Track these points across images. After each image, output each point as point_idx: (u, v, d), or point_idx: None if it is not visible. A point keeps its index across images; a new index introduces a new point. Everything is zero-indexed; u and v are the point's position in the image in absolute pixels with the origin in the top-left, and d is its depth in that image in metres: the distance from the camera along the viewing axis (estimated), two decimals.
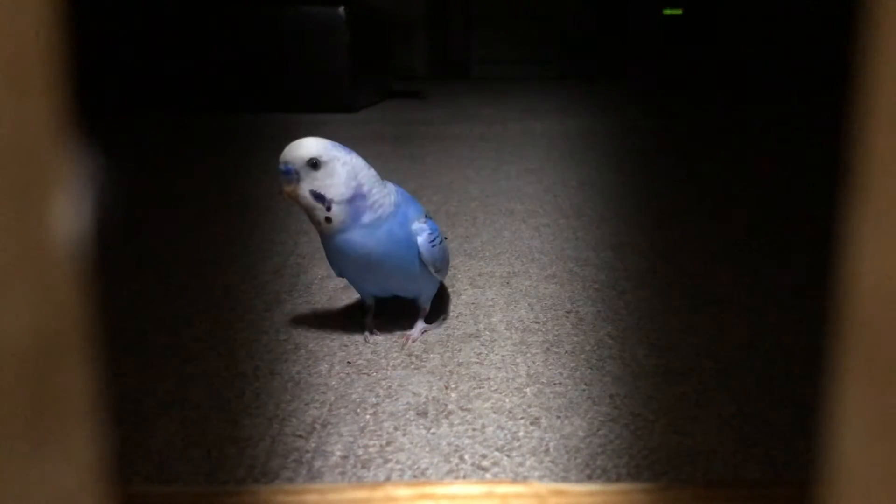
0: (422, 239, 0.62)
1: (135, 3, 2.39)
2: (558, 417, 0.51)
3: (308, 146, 0.57)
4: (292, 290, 0.76)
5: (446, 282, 0.78)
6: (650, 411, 0.52)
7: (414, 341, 0.64)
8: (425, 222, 0.63)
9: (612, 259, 0.87)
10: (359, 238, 0.59)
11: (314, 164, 0.57)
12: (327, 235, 0.59)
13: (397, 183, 0.65)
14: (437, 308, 0.71)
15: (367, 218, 0.58)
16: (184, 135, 1.99)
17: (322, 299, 0.74)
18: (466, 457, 0.46)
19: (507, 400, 0.54)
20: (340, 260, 0.61)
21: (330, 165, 0.57)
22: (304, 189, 0.57)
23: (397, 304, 0.69)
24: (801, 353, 0.62)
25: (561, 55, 4.24)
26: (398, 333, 0.65)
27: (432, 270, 0.64)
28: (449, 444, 0.48)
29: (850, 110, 0.14)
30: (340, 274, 0.65)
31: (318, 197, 0.57)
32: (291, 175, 0.57)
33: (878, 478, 0.14)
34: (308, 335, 0.65)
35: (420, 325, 0.65)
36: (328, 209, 0.57)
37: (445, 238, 0.68)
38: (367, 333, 0.65)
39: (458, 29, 4.26)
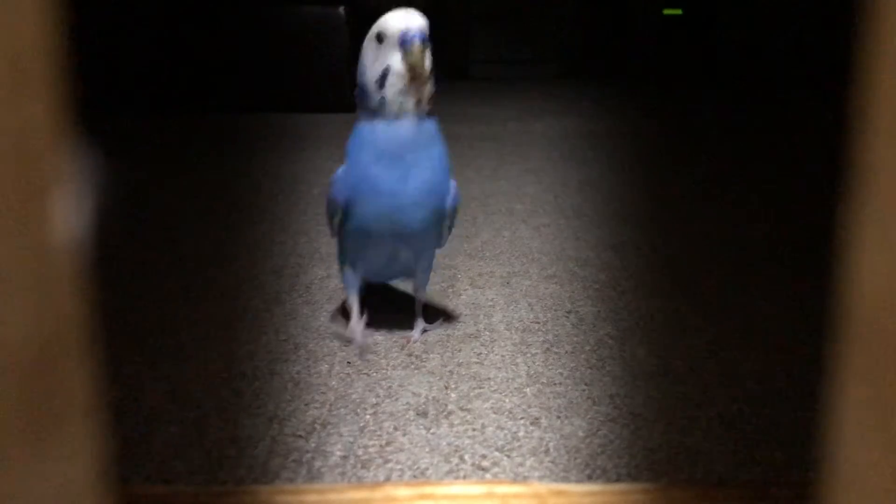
0: (452, 184, 0.60)
1: (134, 2, 2.39)
2: (558, 417, 0.51)
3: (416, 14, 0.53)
4: (292, 290, 0.76)
5: (446, 282, 0.78)
6: (650, 411, 0.52)
7: (415, 342, 0.63)
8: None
9: (612, 259, 0.87)
10: (428, 128, 0.54)
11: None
12: (400, 121, 0.53)
13: None
14: (437, 308, 0.71)
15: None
16: (183, 134, 1.99)
17: (322, 299, 0.73)
18: (466, 457, 0.46)
19: (507, 400, 0.54)
20: (408, 153, 0.54)
21: None
22: (428, 59, 0.52)
23: (390, 305, 0.68)
24: (801, 353, 0.62)
25: (561, 55, 4.24)
26: (398, 334, 0.64)
27: (446, 226, 0.61)
28: (449, 444, 0.48)
29: (850, 110, 0.14)
30: (353, 227, 0.58)
31: (432, 73, 0.53)
32: (426, 41, 0.52)
33: (878, 478, 0.14)
34: (308, 335, 0.65)
35: (420, 324, 0.64)
36: (433, 85, 0.54)
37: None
38: (357, 321, 0.61)
39: (458, 29, 4.26)
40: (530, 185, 1.29)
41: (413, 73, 0.51)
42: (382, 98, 0.52)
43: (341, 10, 2.41)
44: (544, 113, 2.43)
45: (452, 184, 0.59)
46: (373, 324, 0.66)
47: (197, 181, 1.36)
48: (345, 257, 0.62)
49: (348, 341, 0.61)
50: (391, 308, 0.69)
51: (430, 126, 0.55)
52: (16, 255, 0.12)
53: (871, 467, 0.14)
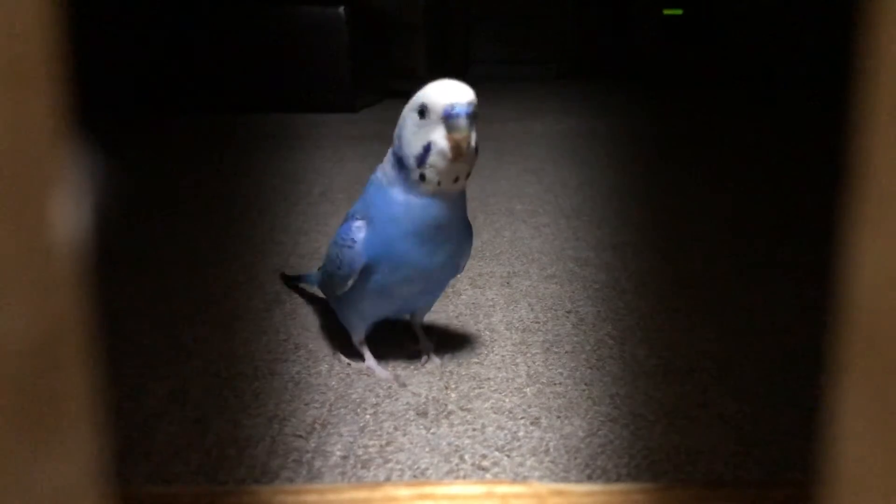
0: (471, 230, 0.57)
1: (134, 2, 2.39)
2: (558, 417, 0.51)
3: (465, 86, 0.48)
4: (292, 290, 0.76)
5: None
6: (650, 411, 0.52)
7: (436, 359, 0.60)
8: None
9: (612, 259, 0.87)
10: (465, 202, 0.53)
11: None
12: (436, 199, 0.49)
13: None
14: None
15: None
16: (183, 134, 1.99)
17: (322, 299, 0.74)
18: (466, 457, 0.46)
19: (507, 400, 0.54)
20: (441, 232, 0.51)
21: None
22: (474, 136, 0.48)
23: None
24: (801, 353, 0.62)
25: (561, 55, 4.24)
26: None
27: (463, 263, 0.58)
28: (449, 444, 0.48)
29: (851, 109, 0.14)
30: (364, 290, 0.55)
31: (476, 149, 0.49)
32: (473, 117, 0.47)
33: (878, 478, 0.14)
34: (308, 335, 0.65)
35: (424, 340, 0.62)
36: (473, 164, 0.50)
37: None
38: (383, 373, 0.58)
39: (458, 29, 4.26)
40: (530, 185, 1.29)
41: (458, 152, 0.47)
42: (422, 175, 0.48)
43: (341, 10, 2.41)
44: (544, 113, 2.42)
45: (472, 237, 0.57)
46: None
47: (197, 181, 1.36)
48: (353, 310, 0.58)
49: (371, 375, 0.58)
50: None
51: (463, 200, 0.52)
52: (16, 255, 0.12)
53: (872, 467, 0.14)
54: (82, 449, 0.14)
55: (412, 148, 0.48)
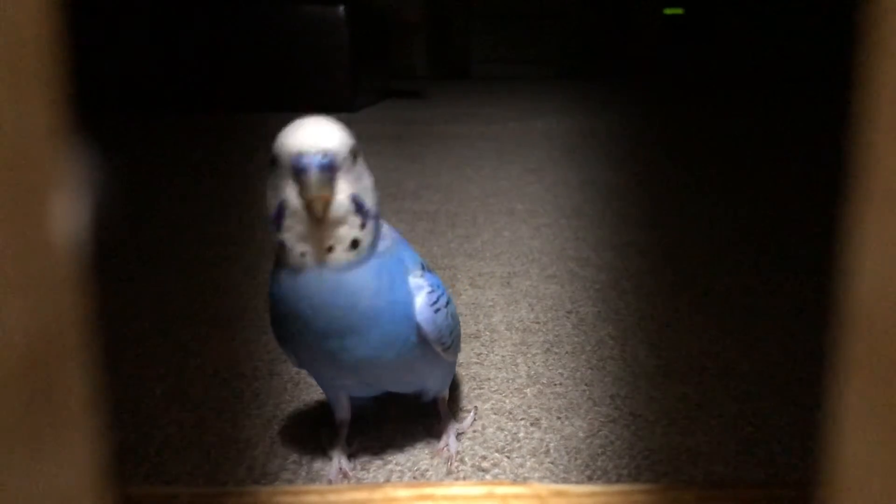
0: (420, 300, 0.41)
1: (134, 2, 2.40)
2: (558, 418, 0.51)
3: (341, 130, 0.38)
4: None
5: (446, 282, 0.78)
6: (651, 412, 0.52)
7: (459, 455, 0.47)
8: (422, 276, 0.42)
9: (612, 259, 0.87)
10: (368, 278, 0.39)
11: (355, 154, 0.38)
12: (322, 273, 0.38)
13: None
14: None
15: (381, 247, 0.40)
16: (183, 134, 1.99)
17: None
18: (466, 458, 0.46)
19: (507, 401, 0.53)
20: (323, 321, 0.39)
21: (362, 160, 0.39)
22: (343, 192, 0.37)
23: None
24: (802, 353, 0.62)
25: (561, 55, 4.24)
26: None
27: (438, 348, 0.43)
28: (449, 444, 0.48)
29: (851, 109, 0.14)
30: (299, 363, 0.44)
31: (358, 206, 0.38)
32: (333, 169, 0.36)
33: (879, 478, 0.14)
34: None
35: (451, 428, 0.48)
36: (362, 226, 0.38)
37: (450, 300, 0.45)
38: (338, 465, 0.45)
39: (458, 29, 4.26)
40: (530, 185, 1.29)
41: (314, 213, 0.36)
42: (281, 242, 0.38)
43: (341, 9, 2.41)
44: (544, 113, 2.42)
45: (426, 306, 0.42)
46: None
47: (197, 181, 1.36)
48: (321, 386, 0.47)
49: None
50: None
51: (370, 274, 0.39)
52: (15, 255, 0.12)
53: (872, 467, 0.14)
54: (82, 449, 0.14)
55: (269, 208, 0.38)
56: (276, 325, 0.42)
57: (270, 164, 0.38)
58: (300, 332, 0.40)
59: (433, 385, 0.47)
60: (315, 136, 0.36)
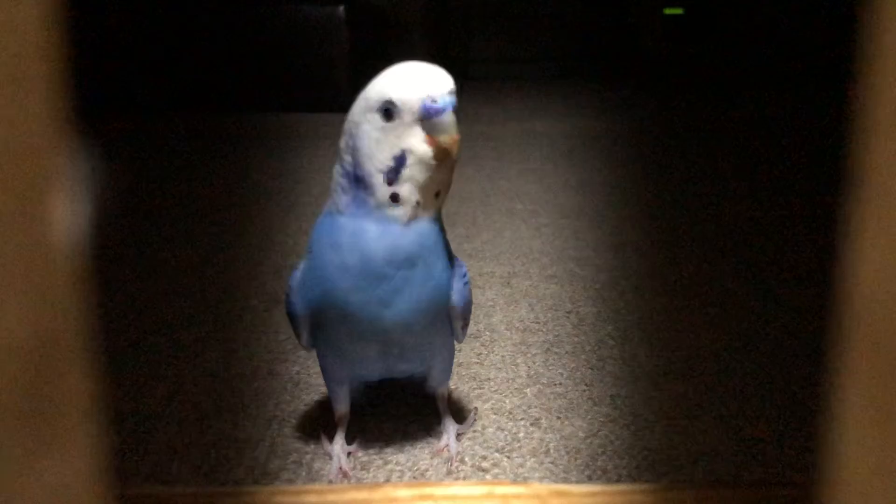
0: (458, 270, 0.43)
1: (134, 2, 2.40)
2: (558, 418, 0.51)
3: (443, 70, 0.38)
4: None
5: None
6: (651, 412, 0.52)
7: (459, 456, 0.46)
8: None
9: (612, 259, 0.87)
10: (438, 230, 0.40)
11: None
12: (411, 224, 0.38)
13: None
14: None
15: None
16: (182, 134, 1.99)
17: None
18: (466, 458, 0.46)
19: (507, 401, 0.53)
20: (394, 266, 0.38)
21: None
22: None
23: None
24: (802, 353, 0.62)
25: (561, 55, 4.24)
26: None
27: (458, 324, 0.44)
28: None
29: (851, 108, 0.14)
30: (311, 342, 0.44)
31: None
32: (456, 109, 0.37)
33: (878, 478, 0.14)
34: None
35: (451, 429, 0.48)
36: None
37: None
38: (338, 465, 0.44)
39: (458, 29, 4.26)
40: (530, 185, 1.29)
41: (450, 155, 0.37)
42: (394, 195, 0.37)
43: (341, 9, 2.41)
44: (544, 113, 2.43)
45: (458, 279, 0.43)
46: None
47: (196, 181, 1.36)
48: (324, 367, 0.47)
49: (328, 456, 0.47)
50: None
51: (436, 229, 0.40)
52: (15, 255, 0.12)
53: (872, 468, 0.14)
54: (82, 449, 0.14)
55: (378, 162, 0.37)
56: (316, 285, 0.41)
57: (384, 116, 0.37)
58: (353, 289, 0.39)
59: (437, 371, 0.47)
60: (437, 79, 0.37)
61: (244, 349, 0.62)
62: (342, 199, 0.39)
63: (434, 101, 0.36)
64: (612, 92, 3.15)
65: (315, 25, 2.42)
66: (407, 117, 0.37)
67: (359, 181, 0.38)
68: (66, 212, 0.13)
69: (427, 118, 0.36)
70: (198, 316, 0.69)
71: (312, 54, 2.43)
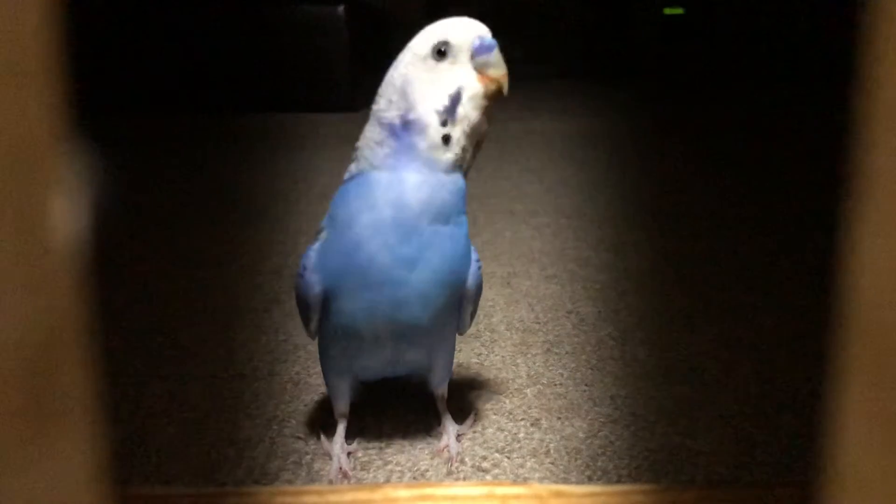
0: (474, 257, 0.45)
1: (133, 2, 2.40)
2: (559, 418, 0.51)
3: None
4: (292, 290, 0.76)
5: None
6: (651, 412, 0.52)
7: (459, 457, 0.46)
8: None
9: (612, 259, 0.87)
10: (463, 187, 0.41)
11: None
12: (447, 175, 0.40)
13: None
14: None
15: None
16: (182, 134, 1.99)
17: None
18: (466, 458, 0.46)
19: (507, 401, 0.53)
20: (427, 218, 0.39)
21: None
22: None
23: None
24: (802, 353, 0.62)
25: (561, 55, 4.24)
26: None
27: (468, 311, 0.45)
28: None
29: (851, 109, 0.14)
30: (314, 330, 0.44)
31: None
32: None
33: (879, 478, 0.14)
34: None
35: (451, 429, 0.48)
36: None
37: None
38: (338, 465, 0.44)
39: None
40: (530, 185, 1.29)
41: (502, 89, 0.40)
42: (447, 136, 0.39)
43: (341, 9, 2.41)
44: (544, 113, 2.42)
45: (473, 262, 0.44)
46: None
47: (197, 181, 1.36)
48: (327, 361, 0.46)
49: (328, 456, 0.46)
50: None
51: (465, 191, 0.42)
52: (16, 255, 0.12)
53: (873, 468, 0.14)
54: (82, 449, 0.14)
55: (433, 101, 0.39)
56: (337, 256, 0.40)
57: (437, 56, 0.39)
58: (382, 247, 0.39)
59: (437, 371, 0.47)
60: (479, 23, 0.40)
61: (244, 349, 0.62)
62: (378, 154, 0.40)
63: (484, 40, 0.39)
64: (612, 92, 3.14)
65: (315, 25, 2.41)
66: (461, 55, 0.39)
67: (408, 127, 0.39)
68: (66, 212, 0.13)
69: (479, 55, 0.39)
70: (198, 316, 0.69)
71: (312, 54, 2.43)
